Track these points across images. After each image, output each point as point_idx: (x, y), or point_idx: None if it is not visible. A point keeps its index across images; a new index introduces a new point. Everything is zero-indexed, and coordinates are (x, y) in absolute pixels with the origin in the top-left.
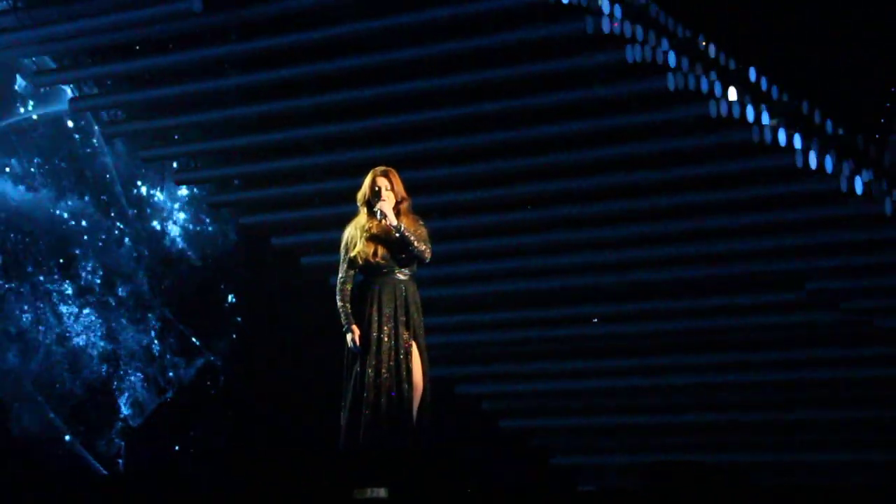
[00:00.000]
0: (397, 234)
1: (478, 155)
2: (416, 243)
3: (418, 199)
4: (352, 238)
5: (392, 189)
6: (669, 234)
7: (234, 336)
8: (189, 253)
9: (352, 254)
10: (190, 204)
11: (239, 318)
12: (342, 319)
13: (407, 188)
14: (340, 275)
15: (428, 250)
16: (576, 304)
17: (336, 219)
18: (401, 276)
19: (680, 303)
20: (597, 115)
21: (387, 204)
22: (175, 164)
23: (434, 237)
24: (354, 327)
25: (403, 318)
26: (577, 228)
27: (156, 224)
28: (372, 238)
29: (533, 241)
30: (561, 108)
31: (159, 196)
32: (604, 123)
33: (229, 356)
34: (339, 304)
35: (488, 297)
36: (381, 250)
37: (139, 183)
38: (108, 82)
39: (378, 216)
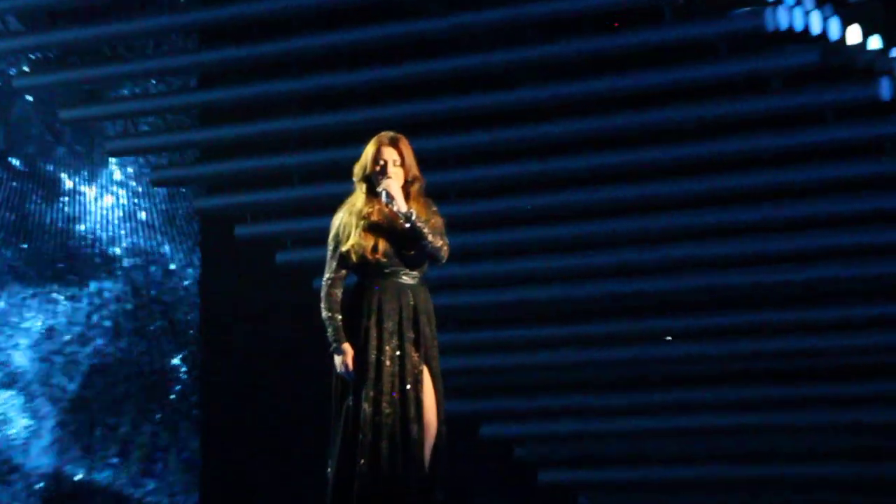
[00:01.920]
0: (407, 224)
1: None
2: (430, 236)
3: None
4: (345, 227)
5: (402, 163)
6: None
7: (185, 356)
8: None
9: (344, 248)
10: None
11: (191, 332)
12: (329, 335)
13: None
14: (327, 275)
15: (445, 246)
16: (644, 317)
17: (322, 201)
18: (408, 280)
19: (783, 314)
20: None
21: (394, 183)
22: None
23: (450, 227)
24: (346, 346)
25: (412, 335)
26: (642, 217)
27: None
28: (372, 227)
29: (580, 230)
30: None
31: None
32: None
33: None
34: (325, 314)
35: (524, 306)
36: (383, 244)
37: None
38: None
39: (383, 198)
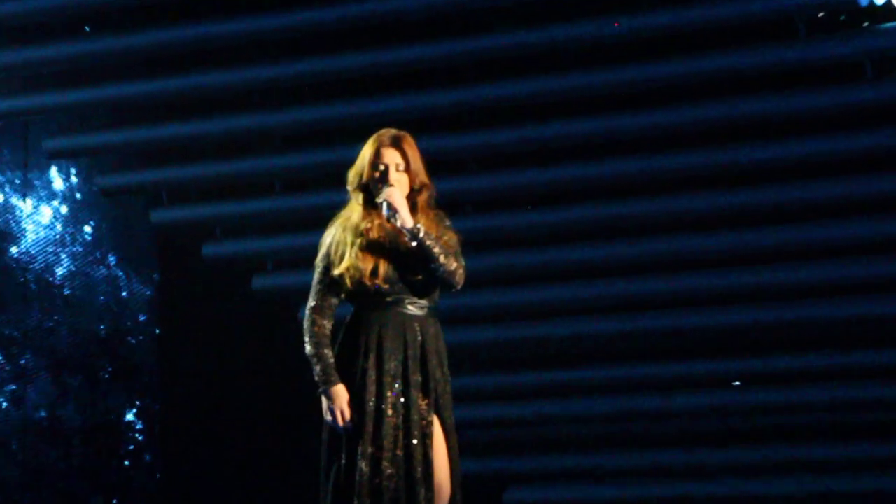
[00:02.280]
0: (413, 242)
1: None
2: (441, 257)
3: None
4: (337, 245)
5: (407, 168)
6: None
7: (140, 409)
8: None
9: (336, 271)
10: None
11: (147, 379)
12: (316, 376)
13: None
14: (313, 303)
15: (460, 269)
16: (708, 357)
17: (310, 213)
18: (415, 310)
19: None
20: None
21: (397, 191)
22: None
23: (467, 245)
24: (339, 388)
25: (419, 378)
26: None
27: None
28: (371, 246)
29: (637, 249)
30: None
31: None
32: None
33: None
34: (310, 350)
35: (559, 343)
36: (384, 267)
37: None
38: None
39: (383, 211)
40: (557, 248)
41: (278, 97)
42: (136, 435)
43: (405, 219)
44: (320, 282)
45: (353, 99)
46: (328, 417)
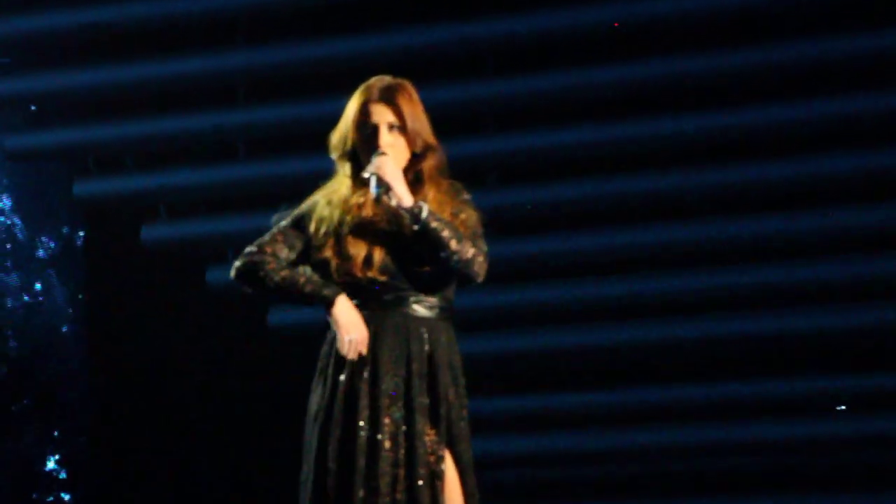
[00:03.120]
0: (415, 226)
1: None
2: (453, 243)
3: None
4: (320, 220)
5: (403, 128)
6: None
7: (65, 456)
8: None
9: (319, 253)
10: None
11: (72, 411)
12: (306, 297)
13: (436, 122)
14: (252, 247)
15: (480, 256)
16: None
17: (284, 184)
18: (421, 311)
19: None
20: None
21: (387, 161)
22: None
23: (492, 226)
24: (341, 301)
25: (426, 401)
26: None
27: None
28: (363, 228)
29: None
30: None
31: None
32: None
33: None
34: (276, 278)
35: (609, 354)
36: (379, 255)
37: None
38: None
39: (371, 188)
40: (610, 229)
41: (241, 30)
42: (62, 495)
43: (401, 196)
44: (282, 230)
45: (342, 35)
46: (349, 339)
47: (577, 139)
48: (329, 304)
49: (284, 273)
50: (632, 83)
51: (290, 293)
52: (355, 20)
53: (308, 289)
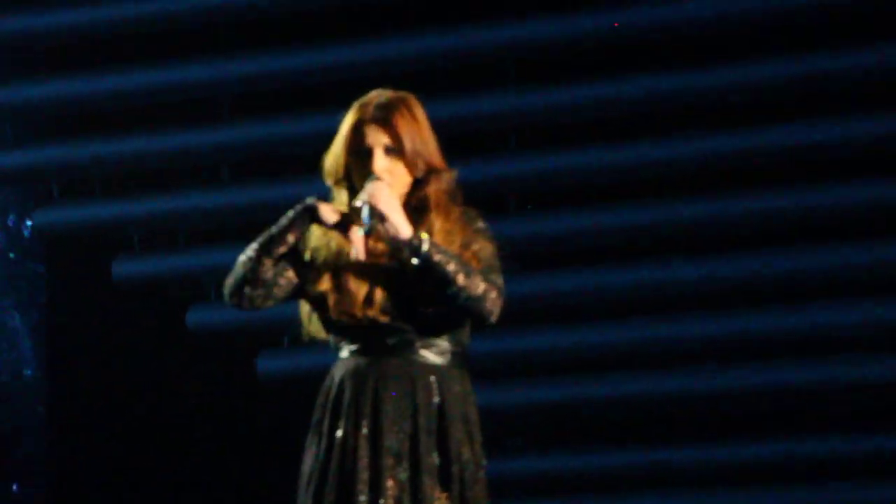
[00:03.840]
0: (415, 259)
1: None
2: (460, 278)
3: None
4: (316, 252)
5: (401, 151)
6: None
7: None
8: None
9: (315, 287)
10: None
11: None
12: (278, 226)
13: (443, 137)
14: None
15: (492, 292)
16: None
17: (272, 215)
18: (430, 357)
19: None
20: None
21: (381, 188)
22: None
23: (511, 259)
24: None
25: (435, 460)
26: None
27: None
28: (362, 263)
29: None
30: None
31: None
32: None
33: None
34: (249, 252)
35: (649, 407)
36: (382, 292)
37: None
38: None
39: (363, 220)
40: (657, 261)
41: (226, 35)
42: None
43: (398, 226)
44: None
45: (342, 42)
46: (329, 216)
47: (613, 159)
48: (311, 210)
49: (249, 253)
50: (680, 93)
51: (272, 244)
52: (358, 25)
53: (283, 221)
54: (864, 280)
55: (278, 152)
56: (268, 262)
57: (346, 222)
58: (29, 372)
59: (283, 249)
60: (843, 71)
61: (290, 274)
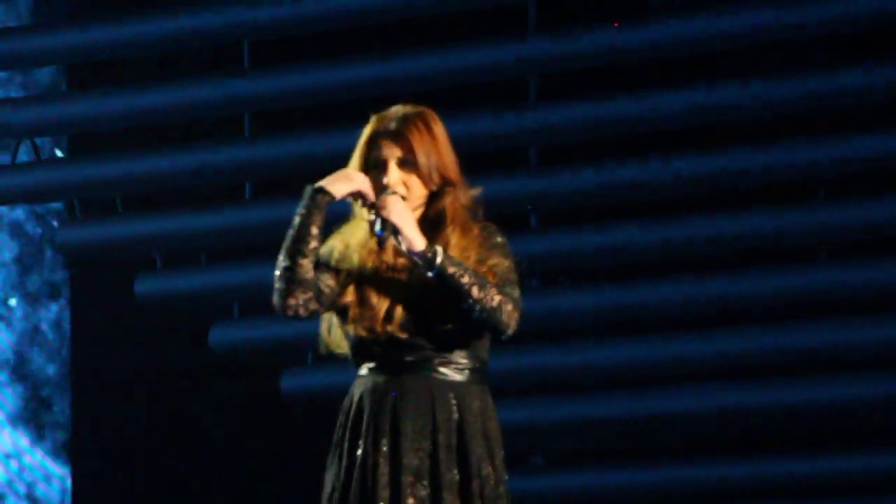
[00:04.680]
0: (429, 272)
1: None
2: (474, 290)
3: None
4: (339, 263)
5: (415, 164)
6: None
7: None
8: None
9: (341, 299)
10: None
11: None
12: (301, 211)
13: (463, 155)
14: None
15: (508, 305)
16: None
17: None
18: (450, 374)
19: None
20: None
21: (395, 200)
22: None
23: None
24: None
25: (455, 476)
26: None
27: None
28: (384, 278)
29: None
30: None
31: None
32: None
33: None
34: (282, 256)
35: (673, 422)
36: (402, 308)
37: None
38: None
39: (375, 232)
40: (679, 278)
41: (247, 53)
42: None
43: (412, 239)
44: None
45: (362, 59)
46: (354, 187)
47: (637, 175)
48: (319, 190)
49: (282, 257)
50: (705, 110)
51: (300, 243)
52: (380, 42)
53: (297, 218)
54: (870, 298)
55: (301, 170)
56: (304, 262)
57: (357, 194)
58: (45, 392)
59: (313, 244)
60: (847, 88)
61: (331, 282)
